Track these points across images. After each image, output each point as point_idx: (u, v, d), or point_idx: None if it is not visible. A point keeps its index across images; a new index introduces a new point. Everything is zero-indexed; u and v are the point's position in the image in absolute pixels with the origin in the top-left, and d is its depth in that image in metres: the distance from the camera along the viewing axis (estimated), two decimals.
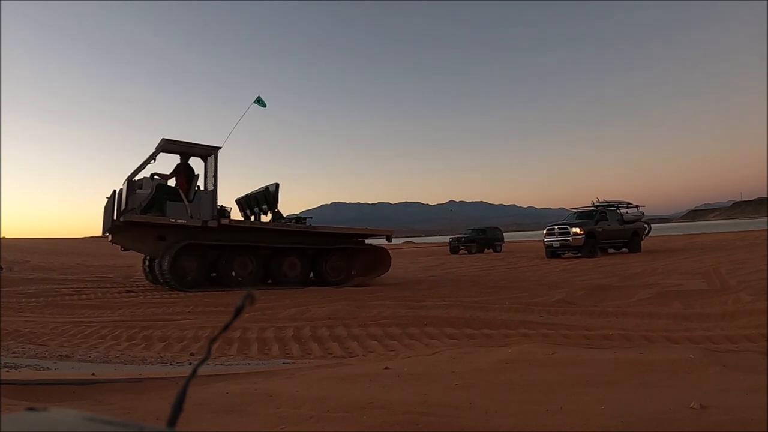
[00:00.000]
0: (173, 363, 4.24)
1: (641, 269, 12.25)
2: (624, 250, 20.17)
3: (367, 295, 8.84)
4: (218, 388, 2.77)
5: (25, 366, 3.68)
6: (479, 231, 28.69)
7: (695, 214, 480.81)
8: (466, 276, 13.13)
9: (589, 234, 18.49)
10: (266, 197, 11.59)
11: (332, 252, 11.15)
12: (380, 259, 11.87)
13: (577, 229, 18.47)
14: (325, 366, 3.76)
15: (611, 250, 20.05)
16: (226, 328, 0.60)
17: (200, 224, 9.76)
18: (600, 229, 18.93)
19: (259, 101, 11.12)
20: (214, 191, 10.13)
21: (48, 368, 3.66)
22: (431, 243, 50.52)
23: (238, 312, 0.59)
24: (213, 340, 0.60)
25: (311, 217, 11.72)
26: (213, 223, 9.86)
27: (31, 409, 0.50)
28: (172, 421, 0.53)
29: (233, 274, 10.12)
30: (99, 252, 27.99)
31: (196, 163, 10.60)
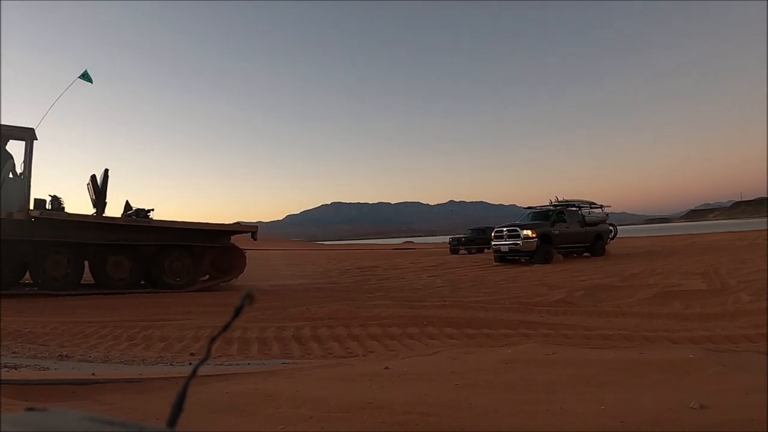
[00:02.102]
0: (173, 363, 4.24)
1: (641, 269, 12.23)
2: (586, 254, 17.82)
3: (367, 295, 8.85)
4: (218, 388, 2.78)
5: (25, 366, 3.68)
6: (479, 231, 28.64)
7: (695, 214, 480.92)
8: (466, 276, 13.12)
9: (543, 237, 16.00)
10: (93, 187, 9.96)
11: (171, 251, 9.63)
12: (232, 260, 10.30)
13: (529, 232, 15.97)
14: (326, 366, 3.76)
15: (575, 255, 17.61)
16: (226, 328, 0.60)
17: (4, 216, 8.54)
18: (556, 232, 16.47)
19: (85, 76, 10.48)
20: (26, 179, 8.97)
21: (48, 368, 3.67)
22: (431, 243, 50.58)
23: (238, 312, 0.59)
24: (213, 340, 0.60)
25: (153, 209, 10.07)
26: (20, 215, 8.69)
27: (31, 409, 0.50)
28: (172, 421, 0.53)
29: (45, 274, 8.91)
30: None
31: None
